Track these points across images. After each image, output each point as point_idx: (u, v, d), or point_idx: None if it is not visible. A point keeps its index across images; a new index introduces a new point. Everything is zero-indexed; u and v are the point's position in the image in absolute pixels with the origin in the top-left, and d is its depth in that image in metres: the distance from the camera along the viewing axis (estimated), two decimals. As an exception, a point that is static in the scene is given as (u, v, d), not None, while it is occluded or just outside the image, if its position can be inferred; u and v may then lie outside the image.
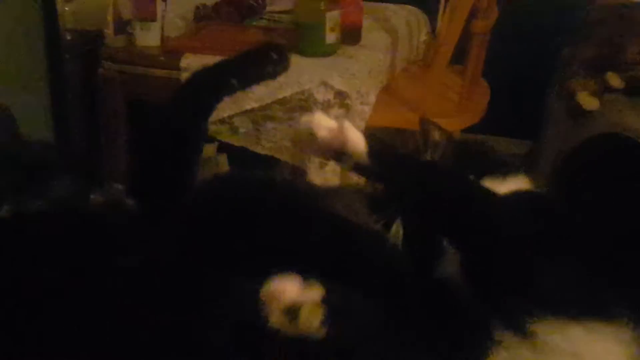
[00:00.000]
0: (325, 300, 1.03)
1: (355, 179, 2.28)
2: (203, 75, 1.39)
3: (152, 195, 1.27)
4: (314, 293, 1.04)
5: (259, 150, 2.38)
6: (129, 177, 1.35)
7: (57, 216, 1.08)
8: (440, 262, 1.19)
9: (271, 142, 2.37)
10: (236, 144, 2.40)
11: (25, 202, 1.06)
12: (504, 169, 1.31)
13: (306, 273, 1.08)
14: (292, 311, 1.02)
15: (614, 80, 2.47)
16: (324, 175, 2.30)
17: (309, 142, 1.15)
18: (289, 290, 1.03)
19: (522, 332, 1.08)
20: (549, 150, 2.53)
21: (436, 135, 1.47)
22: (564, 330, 1.07)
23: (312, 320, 1.02)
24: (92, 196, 1.12)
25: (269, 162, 2.41)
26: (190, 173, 1.32)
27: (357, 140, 1.14)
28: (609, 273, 1.13)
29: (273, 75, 1.39)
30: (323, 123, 1.15)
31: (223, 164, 2.84)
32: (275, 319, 1.03)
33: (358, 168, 1.16)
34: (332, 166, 2.32)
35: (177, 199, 1.27)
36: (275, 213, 1.25)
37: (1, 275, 1.04)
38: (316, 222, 1.26)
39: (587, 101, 2.46)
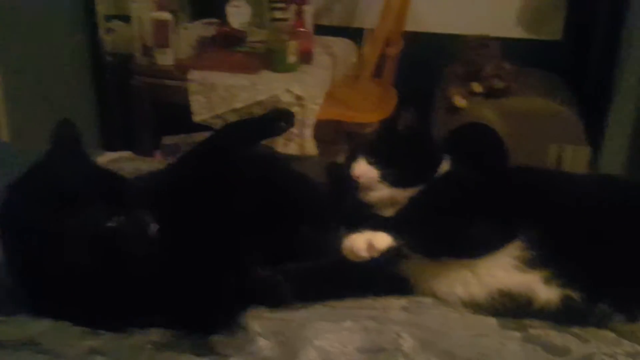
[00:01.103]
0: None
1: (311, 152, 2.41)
2: (231, 128, 1.30)
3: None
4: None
5: (243, 135, 2.49)
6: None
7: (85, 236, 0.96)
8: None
9: (251, 130, 2.48)
10: None
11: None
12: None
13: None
14: None
15: (477, 87, 2.56)
16: (287, 149, 2.39)
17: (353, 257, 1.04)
18: None
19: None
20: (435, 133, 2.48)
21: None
22: None
23: None
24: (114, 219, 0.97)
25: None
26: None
27: (382, 242, 1.04)
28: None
29: (280, 133, 1.29)
30: (360, 245, 1.04)
31: None
32: None
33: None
34: (293, 145, 2.43)
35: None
36: (263, 169, 1.27)
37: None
38: (286, 174, 1.30)
39: (459, 101, 2.54)
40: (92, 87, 2.81)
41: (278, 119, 1.20)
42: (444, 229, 1.10)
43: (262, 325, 1.04)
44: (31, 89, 2.33)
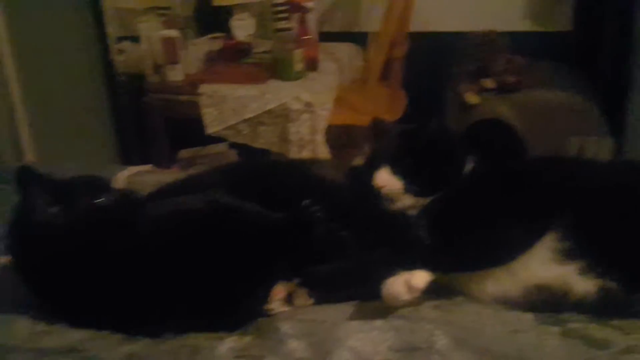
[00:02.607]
0: (302, 283, 1.11)
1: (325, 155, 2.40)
2: None
3: None
4: (294, 282, 1.11)
5: (256, 145, 2.44)
6: None
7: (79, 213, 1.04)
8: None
9: (264, 139, 2.43)
10: (240, 141, 2.46)
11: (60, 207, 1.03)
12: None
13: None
14: (289, 299, 1.11)
15: (488, 83, 2.52)
16: (299, 156, 2.36)
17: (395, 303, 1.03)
18: (281, 288, 1.10)
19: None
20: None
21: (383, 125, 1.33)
22: None
23: (302, 297, 1.11)
24: (102, 198, 1.07)
25: (262, 152, 2.48)
26: None
27: (421, 281, 1.02)
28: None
29: None
30: (399, 289, 1.01)
31: (233, 155, 2.85)
32: (278, 307, 1.09)
33: None
34: (305, 152, 2.40)
35: None
36: (285, 175, 1.31)
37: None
38: (309, 178, 1.30)
39: (472, 99, 2.50)
40: (108, 107, 2.82)
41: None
42: (478, 243, 1.06)
43: (293, 327, 1.02)
44: (53, 113, 2.35)
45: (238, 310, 1.06)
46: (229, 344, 1.00)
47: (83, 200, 1.06)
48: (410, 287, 1.00)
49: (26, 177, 1.08)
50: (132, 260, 1.03)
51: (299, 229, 1.10)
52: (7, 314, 1.10)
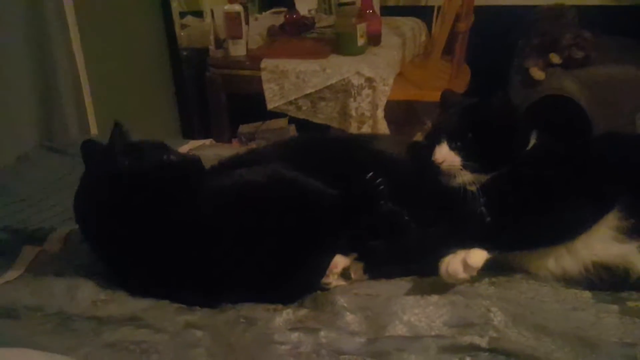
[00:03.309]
0: (358, 258, 1.13)
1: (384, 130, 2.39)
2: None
3: None
4: (351, 257, 1.13)
5: (316, 120, 2.46)
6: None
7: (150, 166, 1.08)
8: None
9: (324, 114, 2.45)
10: (300, 117, 2.48)
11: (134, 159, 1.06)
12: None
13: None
14: (345, 273, 1.12)
15: (555, 58, 2.46)
16: (359, 131, 2.37)
17: (452, 280, 1.04)
18: (338, 262, 1.12)
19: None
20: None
21: (453, 97, 1.33)
22: None
23: (359, 272, 1.13)
24: (168, 156, 1.10)
25: (321, 127, 2.49)
26: None
27: (478, 260, 1.02)
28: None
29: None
30: (456, 267, 1.02)
31: (293, 131, 2.87)
32: (335, 281, 1.12)
33: None
34: (365, 127, 2.41)
35: None
36: (345, 150, 1.32)
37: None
38: (369, 154, 1.30)
39: (537, 74, 2.46)
40: (171, 82, 2.87)
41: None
42: (540, 221, 1.05)
43: (349, 301, 1.04)
44: (117, 88, 2.42)
45: (295, 282, 1.09)
46: (285, 316, 1.03)
47: (152, 157, 1.09)
48: (467, 266, 1.01)
49: (90, 150, 1.12)
50: (192, 229, 1.05)
51: (360, 202, 1.12)
52: (70, 282, 1.14)
